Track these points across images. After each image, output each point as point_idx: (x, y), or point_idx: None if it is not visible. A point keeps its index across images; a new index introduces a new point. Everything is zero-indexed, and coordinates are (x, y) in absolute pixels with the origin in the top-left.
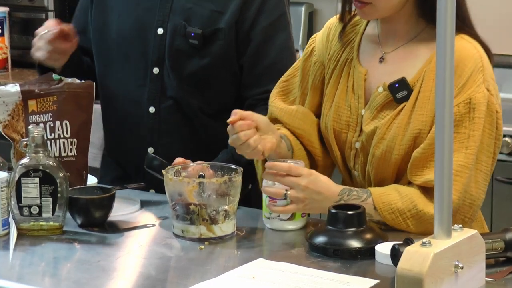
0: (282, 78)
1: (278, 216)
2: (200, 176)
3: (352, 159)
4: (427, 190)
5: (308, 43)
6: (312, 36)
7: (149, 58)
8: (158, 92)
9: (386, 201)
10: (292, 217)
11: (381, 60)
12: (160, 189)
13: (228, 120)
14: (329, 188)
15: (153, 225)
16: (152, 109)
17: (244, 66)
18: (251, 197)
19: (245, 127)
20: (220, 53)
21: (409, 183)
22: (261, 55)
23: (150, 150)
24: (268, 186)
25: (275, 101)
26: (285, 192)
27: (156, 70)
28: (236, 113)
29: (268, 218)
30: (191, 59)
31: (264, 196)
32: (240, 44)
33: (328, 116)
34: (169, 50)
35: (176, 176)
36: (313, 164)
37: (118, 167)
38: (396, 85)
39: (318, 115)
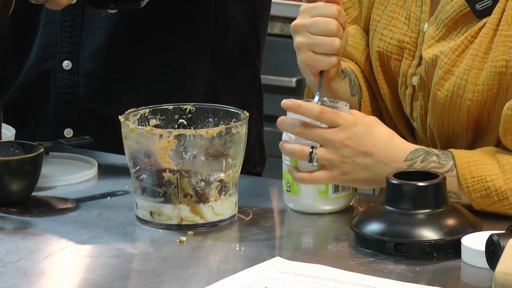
0: None
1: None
2: (181, 126)
3: (408, 103)
4: None
5: None
6: None
7: None
8: None
9: (478, 176)
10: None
11: None
12: (116, 145)
13: None
14: (388, 147)
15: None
16: None
17: None
18: (263, 159)
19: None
20: None
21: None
22: None
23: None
24: (287, 140)
25: None
26: (311, 150)
27: None
28: None
29: (290, 192)
30: None
31: (284, 157)
32: None
33: (376, 32)
34: None
35: (142, 124)
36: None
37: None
38: None
39: None
